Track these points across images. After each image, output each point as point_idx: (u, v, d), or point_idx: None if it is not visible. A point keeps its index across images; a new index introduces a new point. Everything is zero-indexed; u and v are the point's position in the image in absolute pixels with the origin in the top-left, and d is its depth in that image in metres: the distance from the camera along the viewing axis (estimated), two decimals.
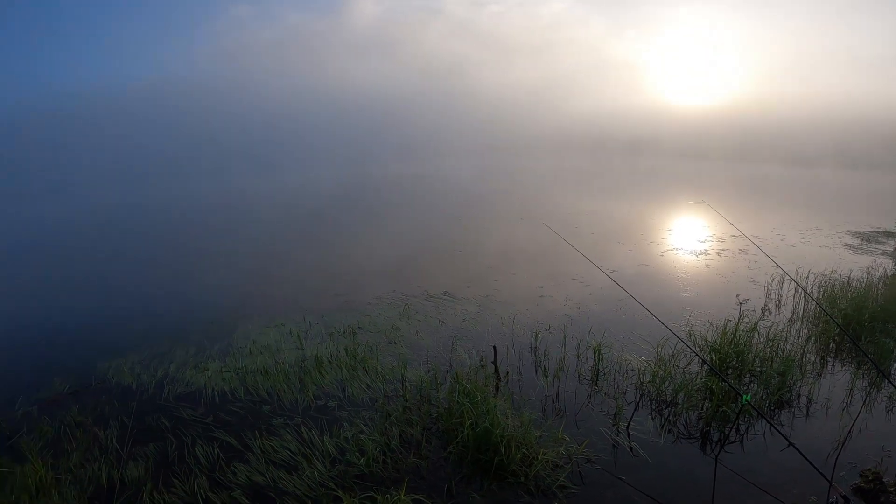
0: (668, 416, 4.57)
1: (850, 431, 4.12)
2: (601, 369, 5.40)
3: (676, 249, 11.26)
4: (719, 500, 3.27)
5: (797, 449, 2.51)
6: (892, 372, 5.29)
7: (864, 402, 4.68)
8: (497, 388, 5.12)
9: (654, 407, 4.72)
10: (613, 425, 4.43)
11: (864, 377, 5.17)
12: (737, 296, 7.57)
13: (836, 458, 3.47)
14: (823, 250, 10.88)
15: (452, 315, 7.38)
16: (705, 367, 5.23)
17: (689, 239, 12.42)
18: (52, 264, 12.09)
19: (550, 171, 37.50)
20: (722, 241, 11.95)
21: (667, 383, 4.90)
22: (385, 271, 10.00)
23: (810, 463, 2.47)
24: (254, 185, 31.64)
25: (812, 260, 9.67)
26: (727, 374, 5.15)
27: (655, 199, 21.33)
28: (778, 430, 2.73)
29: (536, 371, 5.53)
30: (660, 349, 5.50)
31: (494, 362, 5.47)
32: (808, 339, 6.01)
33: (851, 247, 11.22)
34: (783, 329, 6.01)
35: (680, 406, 4.66)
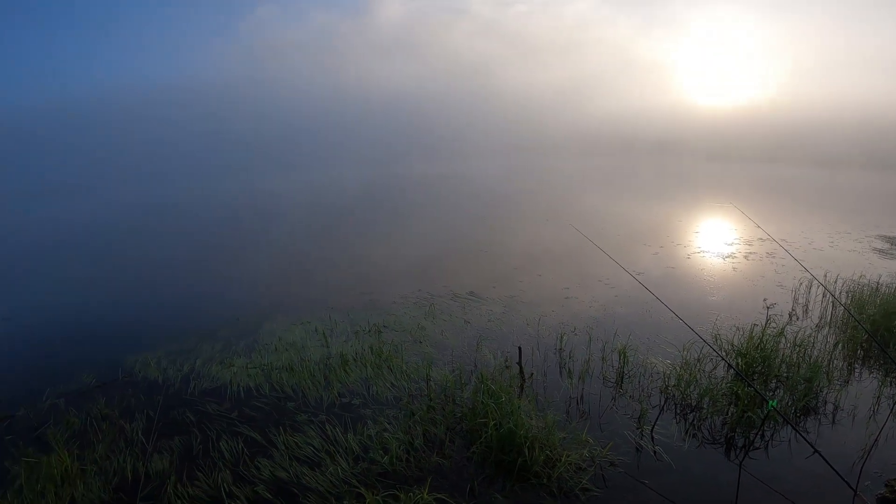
0: (693, 420, 4.61)
1: (876, 440, 4.09)
2: (626, 372, 5.45)
3: (703, 252, 11.15)
4: None
5: (822, 456, 2.53)
6: None
7: (892, 410, 4.63)
8: (521, 389, 5.20)
9: (678, 411, 4.76)
10: (637, 429, 4.48)
11: (891, 384, 5.13)
12: (764, 300, 7.53)
13: (862, 467, 3.47)
14: (852, 255, 10.65)
15: (478, 315, 7.49)
16: (731, 371, 5.25)
17: (715, 241, 12.27)
18: (82, 261, 12.50)
19: (577, 171, 37.04)
20: (749, 244, 11.78)
21: (692, 387, 4.93)
22: (410, 271, 10.14)
23: (835, 471, 2.50)
24: (280, 185, 31.97)
25: (840, 264, 9.49)
26: (753, 380, 5.14)
27: (682, 200, 21.00)
28: (803, 437, 2.78)
29: (561, 373, 5.60)
30: (685, 353, 5.51)
31: (519, 363, 5.56)
32: (836, 344, 5.96)
33: (881, 251, 10.95)
34: (810, 334, 5.96)
35: (705, 411, 4.69)
